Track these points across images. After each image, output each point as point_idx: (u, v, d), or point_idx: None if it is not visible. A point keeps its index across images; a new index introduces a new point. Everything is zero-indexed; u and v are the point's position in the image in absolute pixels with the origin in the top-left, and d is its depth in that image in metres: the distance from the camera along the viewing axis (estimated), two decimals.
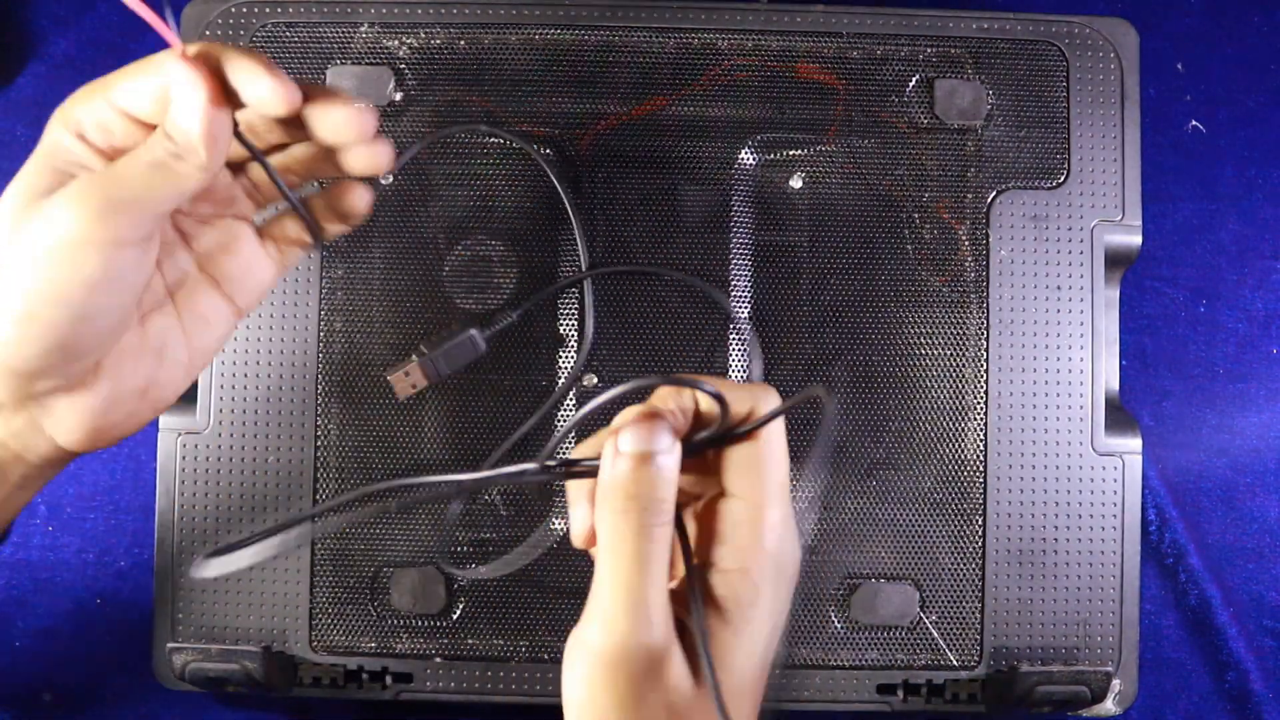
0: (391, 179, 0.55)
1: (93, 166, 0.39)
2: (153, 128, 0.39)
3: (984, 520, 0.54)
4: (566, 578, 0.54)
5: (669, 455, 0.37)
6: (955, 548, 0.54)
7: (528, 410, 0.54)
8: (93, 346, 0.39)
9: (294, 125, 0.40)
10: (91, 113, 0.38)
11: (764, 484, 0.38)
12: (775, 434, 0.38)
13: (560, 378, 0.55)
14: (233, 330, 0.45)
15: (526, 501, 0.54)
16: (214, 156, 0.38)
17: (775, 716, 0.58)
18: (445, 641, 0.54)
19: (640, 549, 0.36)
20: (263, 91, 0.38)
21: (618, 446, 0.37)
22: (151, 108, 0.38)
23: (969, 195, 0.55)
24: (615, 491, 0.36)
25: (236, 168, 0.43)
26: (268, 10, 0.55)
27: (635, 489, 0.36)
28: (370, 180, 0.45)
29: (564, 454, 0.50)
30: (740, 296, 0.55)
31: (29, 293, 0.37)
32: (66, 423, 0.40)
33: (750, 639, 0.37)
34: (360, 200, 0.44)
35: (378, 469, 0.54)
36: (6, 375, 0.38)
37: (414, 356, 0.53)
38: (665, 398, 0.39)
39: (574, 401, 0.54)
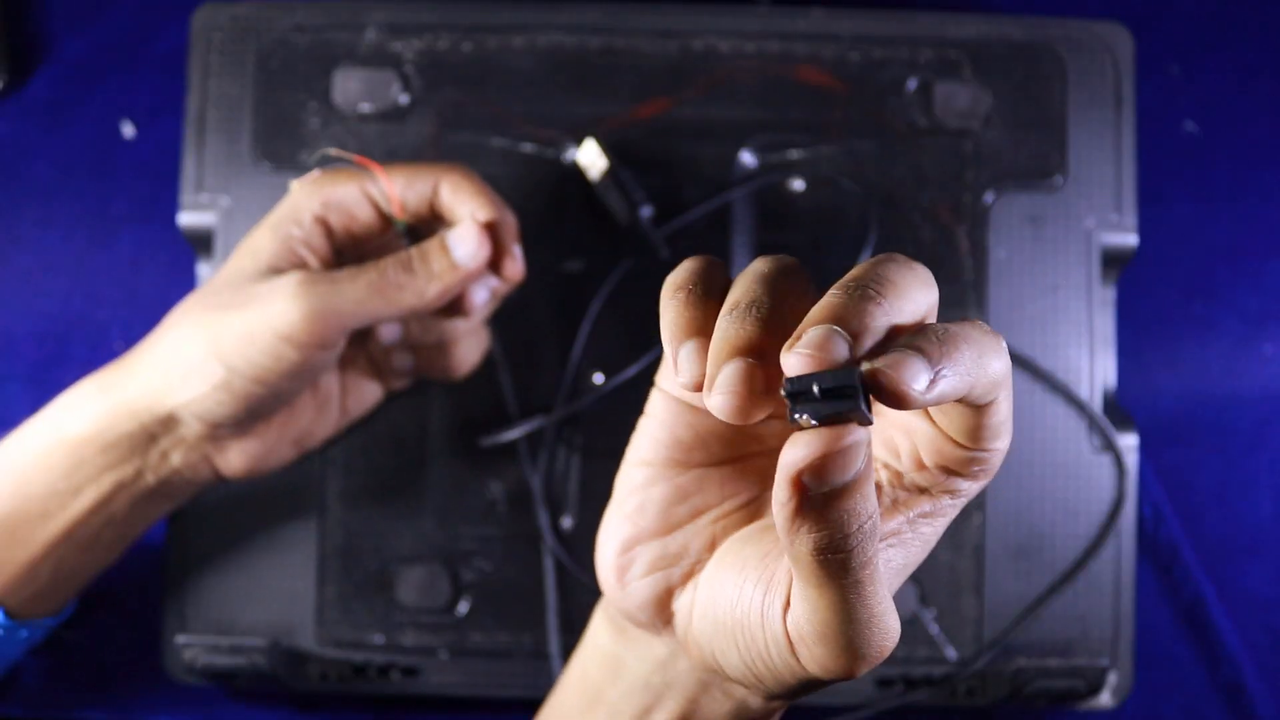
0: None
1: (318, 248, 0.45)
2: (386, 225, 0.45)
3: (982, 516, 0.55)
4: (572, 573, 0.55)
5: (864, 479, 0.27)
6: (954, 544, 0.55)
7: (534, 408, 0.55)
8: (274, 410, 0.46)
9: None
10: (342, 195, 0.45)
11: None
12: None
13: (567, 377, 0.55)
14: (380, 400, 0.52)
15: (529, 499, 0.55)
16: (441, 303, 0.44)
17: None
18: (451, 636, 0.55)
19: (861, 579, 0.28)
20: (512, 275, 0.47)
21: (798, 507, 0.27)
22: (416, 203, 0.45)
23: (967, 196, 0.56)
24: (820, 548, 0.27)
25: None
26: (276, 15, 0.56)
27: (839, 539, 0.27)
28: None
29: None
30: None
31: (231, 366, 0.42)
32: (233, 460, 0.47)
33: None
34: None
35: (382, 465, 0.55)
36: (197, 421, 0.44)
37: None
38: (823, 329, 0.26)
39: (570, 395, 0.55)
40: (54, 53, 0.63)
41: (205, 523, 0.54)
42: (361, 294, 0.42)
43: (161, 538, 0.55)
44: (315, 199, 0.44)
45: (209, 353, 0.42)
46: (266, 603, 0.54)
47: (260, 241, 0.44)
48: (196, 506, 0.54)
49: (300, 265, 0.44)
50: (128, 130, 0.62)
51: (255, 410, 0.44)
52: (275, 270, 0.44)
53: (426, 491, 0.55)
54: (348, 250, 0.46)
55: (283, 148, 0.56)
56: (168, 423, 0.44)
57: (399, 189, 0.44)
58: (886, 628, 0.29)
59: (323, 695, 0.58)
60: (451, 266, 0.43)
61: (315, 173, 0.46)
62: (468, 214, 0.45)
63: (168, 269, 0.61)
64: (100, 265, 0.61)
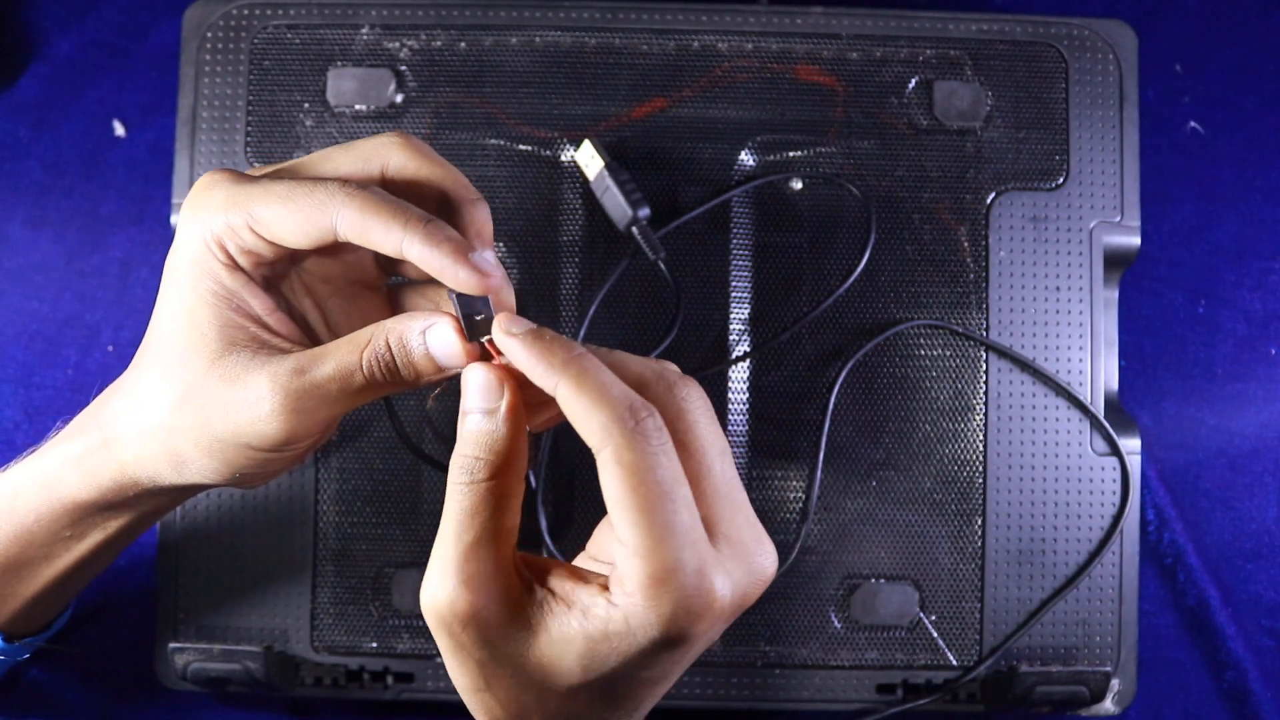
0: None
1: (247, 301, 0.39)
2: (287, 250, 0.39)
3: (983, 520, 0.55)
4: None
5: (481, 415, 0.36)
6: (955, 548, 0.55)
7: None
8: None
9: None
10: (233, 236, 0.38)
11: (637, 530, 0.33)
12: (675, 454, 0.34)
13: None
14: None
15: (526, 500, 0.55)
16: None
17: (776, 717, 0.58)
18: None
19: (451, 504, 0.36)
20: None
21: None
22: (307, 245, 0.38)
23: (968, 196, 0.56)
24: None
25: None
26: (269, 13, 0.56)
27: (459, 446, 0.36)
28: None
29: None
30: (740, 297, 0.55)
31: (226, 461, 0.39)
32: (220, 483, 0.42)
33: (583, 644, 0.35)
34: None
35: (379, 467, 0.54)
36: (198, 487, 0.42)
37: None
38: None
39: None
40: (44, 51, 0.63)
41: (198, 529, 0.54)
42: (348, 399, 0.38)
43: (154, 545, 0.54)
44: (206, 237, 0.39)
45: (198, 448, 0.39)
46: (260, 609, 0.54)
47: (196, 311, 0.39)
48: (189, 513, 0.54)
49: (252, 338, 0.39)
50: (119, 130, 0.62)
51: (256, 479, 0.42)
52: (230, 344, 0.39)
53: (421, 495, 0.54)
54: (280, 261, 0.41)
55: (276, 147, 0.55)
56: (169, 489, 0.42)
57: (277, 213, 0.38)
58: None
59: (317, 701, 0.58)
60: (437, 369, 0.38)
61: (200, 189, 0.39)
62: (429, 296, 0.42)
63: (159, 270, 0.60)
64: (91, 266, 0.61)
